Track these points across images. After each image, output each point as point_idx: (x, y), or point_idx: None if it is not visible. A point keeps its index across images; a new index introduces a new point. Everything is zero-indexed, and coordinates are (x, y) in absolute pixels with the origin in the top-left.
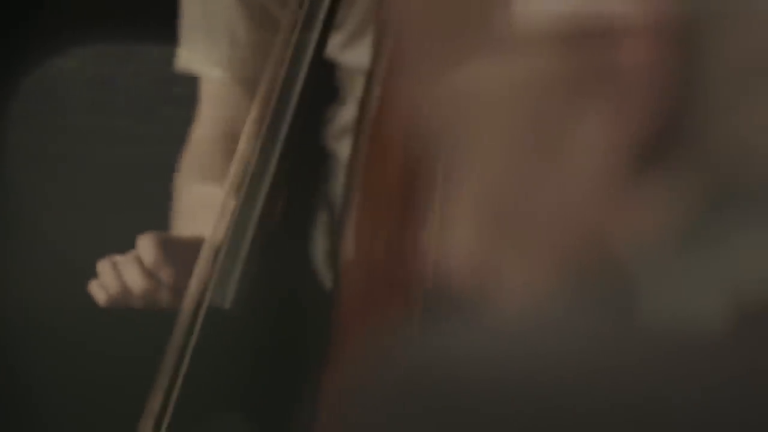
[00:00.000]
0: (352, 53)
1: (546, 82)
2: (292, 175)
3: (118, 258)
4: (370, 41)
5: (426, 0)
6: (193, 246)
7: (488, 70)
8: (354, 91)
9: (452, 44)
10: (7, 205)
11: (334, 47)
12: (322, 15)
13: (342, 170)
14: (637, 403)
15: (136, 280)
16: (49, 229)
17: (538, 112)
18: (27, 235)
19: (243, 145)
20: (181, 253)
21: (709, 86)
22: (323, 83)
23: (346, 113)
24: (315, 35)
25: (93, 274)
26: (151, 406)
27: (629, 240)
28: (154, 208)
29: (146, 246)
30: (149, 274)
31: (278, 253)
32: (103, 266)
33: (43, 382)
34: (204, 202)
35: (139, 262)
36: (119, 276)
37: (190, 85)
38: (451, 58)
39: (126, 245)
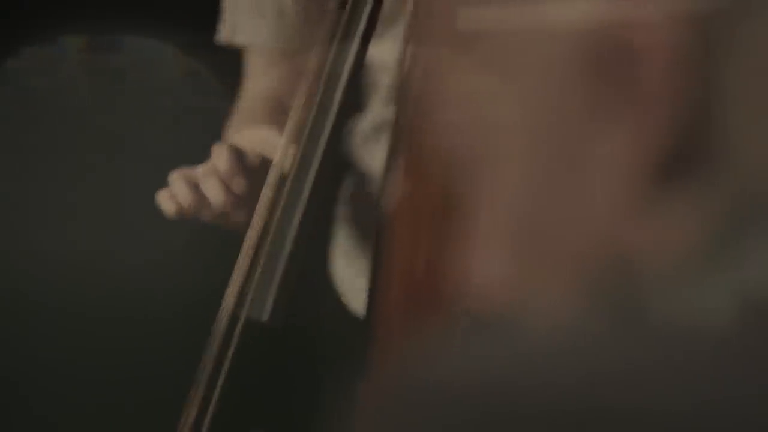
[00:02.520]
0: (378, 47)
1: (566, 99)
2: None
3: (192, 169)
4: (396, 34)
5: (449, 12)
6: (262, 163)
7: (510, 89)
8: (379, 91)
9: (474, 58)
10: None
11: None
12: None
13: (369, 177)
14: (651, 408)
15: (213, 190)
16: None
17: (560, 129)
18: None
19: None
20: (252, 167)
21: (732, 97)
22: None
23: (371, 116)
24: (357, 37)
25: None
26: (187, 419)
27: (650, 255)
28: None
29: (222, 155)
30: (225, 184)
31: (315, 265)
32: (177, 176)
33: (76, 394)
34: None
35: (216, 172)
36: (195, 186)
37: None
38: (473, 72)
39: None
